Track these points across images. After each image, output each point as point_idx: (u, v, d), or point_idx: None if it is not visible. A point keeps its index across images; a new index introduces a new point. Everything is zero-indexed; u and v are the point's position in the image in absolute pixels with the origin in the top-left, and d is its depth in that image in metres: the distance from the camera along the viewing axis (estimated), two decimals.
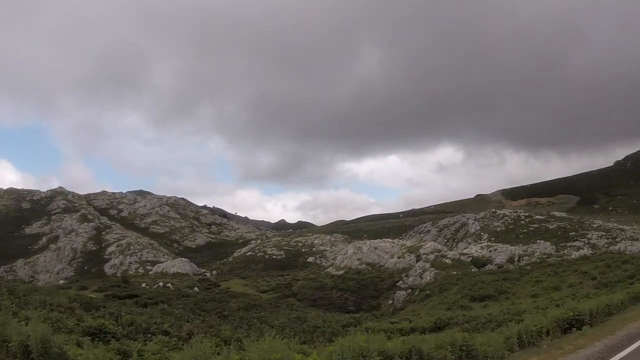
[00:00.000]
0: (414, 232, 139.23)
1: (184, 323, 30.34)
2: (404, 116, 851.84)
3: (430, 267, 71.59)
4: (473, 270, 70.51)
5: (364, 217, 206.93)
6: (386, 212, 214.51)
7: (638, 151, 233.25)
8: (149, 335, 21.27)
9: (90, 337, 15.84)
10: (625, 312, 14.63)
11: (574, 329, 13.25)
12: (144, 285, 75.24)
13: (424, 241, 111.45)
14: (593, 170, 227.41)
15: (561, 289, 46.37)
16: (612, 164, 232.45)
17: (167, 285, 75.33)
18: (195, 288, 73.75)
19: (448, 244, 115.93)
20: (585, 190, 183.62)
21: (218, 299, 62.15)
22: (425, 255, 76.93)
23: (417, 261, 76.38)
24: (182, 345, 16.60)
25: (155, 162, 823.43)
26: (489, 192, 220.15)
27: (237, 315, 50.00)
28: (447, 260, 74.37)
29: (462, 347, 10.43)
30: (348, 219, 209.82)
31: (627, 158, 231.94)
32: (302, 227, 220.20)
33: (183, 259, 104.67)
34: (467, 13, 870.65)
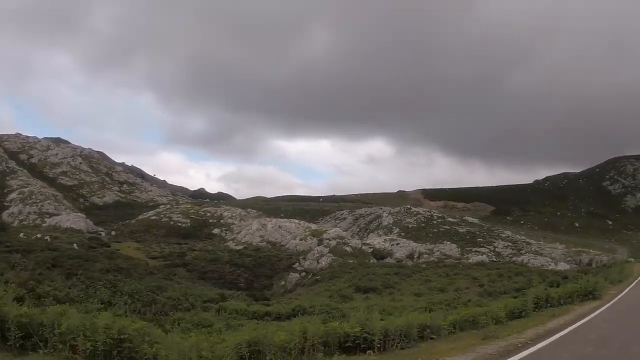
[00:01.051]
0: (330, 218, 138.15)
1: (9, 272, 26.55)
2: (342, 103, 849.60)
3: (329, 252, 69.15)
4: (371, 261, 68.68)
5: (284, 196, 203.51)
6: (307, 195, 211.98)
7: (558, 174, 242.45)
8: None
9: None
10: (444, 340, 10.88)
11: (361, 352, 9.66)
12: (22, 235, 70.00)
13: (338, 227, 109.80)
14: (512, 185, 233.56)
15: (447, 292, 44.66)
16: (531, 182, 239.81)
17: (46, 238, 69.41)
18: (75, 245, 68.14)
19: (360, 233, 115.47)
20: (501, 202, 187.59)
21: (85, 258, 57.08)
22: (328, 241, 74.22)
23: (318, 245, 73.50)
24: None
25: (81, 110, 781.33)
26: (411, 190, 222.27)
27: (89, 276, 45.29)
28: (348, 248, 72.10)
29: None
30: (269, 197, 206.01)
31: (546, 179, 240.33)
32: (221, 199, 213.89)
33: (79, 214, 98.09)
34: (423, 15, 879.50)
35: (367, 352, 9.70)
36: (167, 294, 44.11)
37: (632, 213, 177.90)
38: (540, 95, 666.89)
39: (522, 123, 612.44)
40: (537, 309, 16.23)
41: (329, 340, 9.65)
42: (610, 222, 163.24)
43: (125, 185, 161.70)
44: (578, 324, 13.80)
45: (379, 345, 9.75)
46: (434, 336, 11.08)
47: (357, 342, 9.86)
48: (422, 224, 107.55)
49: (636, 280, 36.30)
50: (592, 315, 15.81)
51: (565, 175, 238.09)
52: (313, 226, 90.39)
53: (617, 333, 12.53)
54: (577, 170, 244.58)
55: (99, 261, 59.33)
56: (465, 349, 9.73)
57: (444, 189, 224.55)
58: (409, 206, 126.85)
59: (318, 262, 67.79)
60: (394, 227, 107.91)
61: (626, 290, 26.57)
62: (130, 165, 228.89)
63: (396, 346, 9.97)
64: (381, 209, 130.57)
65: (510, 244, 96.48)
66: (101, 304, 36.32)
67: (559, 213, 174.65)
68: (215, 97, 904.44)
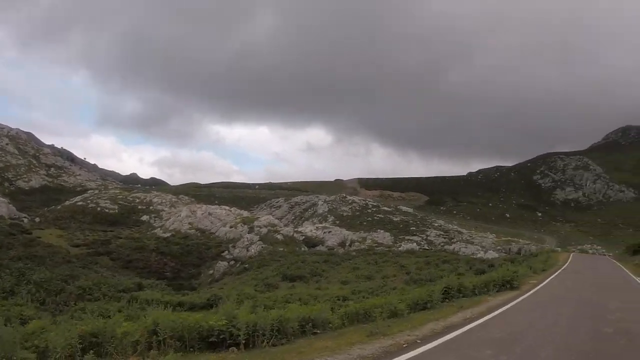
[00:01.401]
0: (265, 205, 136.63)
1: None
2: (283, 90, 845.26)
3: (259, 240, 67.56)
4: (303, 249, 67.52)
5: (219, 182, 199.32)
6: (244, 182, 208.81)
7: (490, 167, 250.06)
8: None
9: None
10: (327, 337, 9.01)
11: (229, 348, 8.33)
12: None
13: (274, 215, 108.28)
14: (447, 176, 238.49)
15: (374, 279, 43.78)
16: (465, 174, 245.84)
17: None
18: None
19: (296, 221, 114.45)
20: (435, 192, 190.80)
21: None
22: (259, 228, 72.32)
23: (249, 232, 71.58)
24: None
25: (11, 87, 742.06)
26: (348, 179, 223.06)
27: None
28: (279, 236, 70.53)
29: None
30: (204, 183, 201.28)
31: (479, 171, 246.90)
32: (154, 185, 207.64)
33: (1, 199, 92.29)
34: (367, 8, 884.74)
35: (231, 348, 8.20)
36: (79, 283, 41.59)
37: (560, 206, 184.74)
38: (477, 91, 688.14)
39: (458, 117, 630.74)
40: (447, 300, 14.93)
41: (184, 335, 8.18)
42: (540, 214, 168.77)
43: (52, 169, 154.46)
44: (485, 318, 12.32)
45: (244, 342, 8.26)
46: (317, 331, 9.58)
47: (222, 337, 8.35)
48: (357, 213, 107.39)
49: (560, 270, 36.12)
50: (504, 308, 14.45)
51: (497, 168, 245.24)
52: (245, 213, 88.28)
53: (526, 330, 11.05)
54: (510, 164, 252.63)
55: (13, 248, 55.89)
56: (339, 348, 8.19)
57: (380, 178, 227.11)
58: (344, 195, 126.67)
59: (248, 250, 66.20)
60: (329, 215, 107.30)
61: (547, 280, 25.82)
62: (60, 147, 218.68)
63: (267, 343, 8.46)
64: (317, 197, 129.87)
65: (442, 232, 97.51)
66: (2, 292, 33.65)
67: (490, 204, 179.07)
68: (151, 78, 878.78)
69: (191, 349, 8.24)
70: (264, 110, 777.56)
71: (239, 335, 8.23)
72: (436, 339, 9.44)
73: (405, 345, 8.82)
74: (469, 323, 11.49)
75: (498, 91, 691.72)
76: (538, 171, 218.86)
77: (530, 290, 19.70)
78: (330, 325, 9.96)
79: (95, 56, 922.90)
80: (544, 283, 24.00)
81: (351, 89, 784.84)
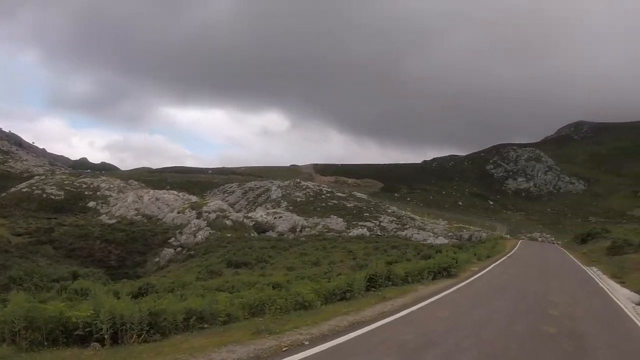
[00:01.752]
0: (218, 191, 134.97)
1: None
2: (240, 72, 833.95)
3: (206, 226, 65.78)
4: (252, 235, 66.08)
5: (172, 167, 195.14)
6: (197, 167, 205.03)
7: (444, 156, 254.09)
8: None
9: None
10: (209, 333, 8.08)
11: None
12: None
13: (227, 200, 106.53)
14: (402, 164, 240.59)
15: (321, 265, 42.80)
16: (420, 162, 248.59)
17: None
18: None
19: (249, 206, 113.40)
20: (390, 179, 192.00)
21: None
22: (207, 214, 70.46)
23: (196, 218, 69.67)
24: None
25: None
26: (304, 164, 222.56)
27: None
28: (228, 222, 68.92)
29: None
30: (157, 168, 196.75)
31: (434, 159, 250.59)
32: (105, 170, 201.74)
33: None
34: None
35: (93, 344, 7.08)
36: (10, 273, 39.30)
37: (512, 195, 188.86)
38: (433, 83, 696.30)
39: (415, 107, 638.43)
40: (373, 288, 13.57)
41: (41, 327, 7.08)
42: (492, 202, 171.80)
43: None
44: (405, 312, 10.84)
45: (111, 336, 7.14)
46: (205, 325, 8.30)
47: (87, 330, 7.25)
48: (311, 198, 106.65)
49: (505, 256, 35.72)
50: (433, 299, 12.98)
51: (452, 157, 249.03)
52: (193, 198, 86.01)
53: (448, 329, 9.50)
54: (464, 153, 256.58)
55: None
56: (204, 349, 6.73)
57: (335, 164, 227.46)
58: (298, 180, 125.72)
59: (195, 237, 64.53)
60: (282, 201, 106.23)
61: (489, 268, 24.78)
62: (7, 131, 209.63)
63: (137, 338, 7.24)
64: (271, 182, 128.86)
65: (395, 219, 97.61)
66: None
67: (444, 192, 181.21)
68: (103, 59, 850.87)
69: (47, 343, 7.08)
70: (218, 93, 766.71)
71: (102, 329, 7.07)
72: (329, 341, 7.90)
73: (286, 348, 7.36)
74: (384, 318, 10.03)
75: (454, 84, 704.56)
76: (491, 161, 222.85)
77: (467, 279, 18.58)
78: (220, 319, 8.64)
79: (45, 35, 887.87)
80: (485, 270, 23.01)
81: (309, 75, 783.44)
